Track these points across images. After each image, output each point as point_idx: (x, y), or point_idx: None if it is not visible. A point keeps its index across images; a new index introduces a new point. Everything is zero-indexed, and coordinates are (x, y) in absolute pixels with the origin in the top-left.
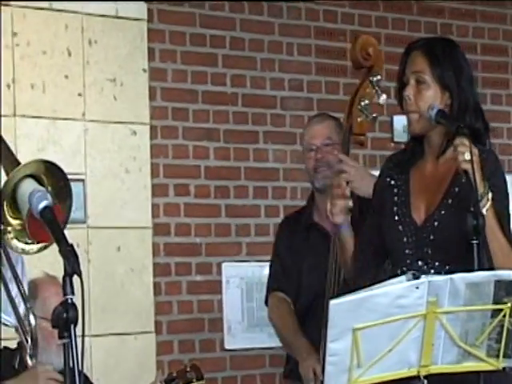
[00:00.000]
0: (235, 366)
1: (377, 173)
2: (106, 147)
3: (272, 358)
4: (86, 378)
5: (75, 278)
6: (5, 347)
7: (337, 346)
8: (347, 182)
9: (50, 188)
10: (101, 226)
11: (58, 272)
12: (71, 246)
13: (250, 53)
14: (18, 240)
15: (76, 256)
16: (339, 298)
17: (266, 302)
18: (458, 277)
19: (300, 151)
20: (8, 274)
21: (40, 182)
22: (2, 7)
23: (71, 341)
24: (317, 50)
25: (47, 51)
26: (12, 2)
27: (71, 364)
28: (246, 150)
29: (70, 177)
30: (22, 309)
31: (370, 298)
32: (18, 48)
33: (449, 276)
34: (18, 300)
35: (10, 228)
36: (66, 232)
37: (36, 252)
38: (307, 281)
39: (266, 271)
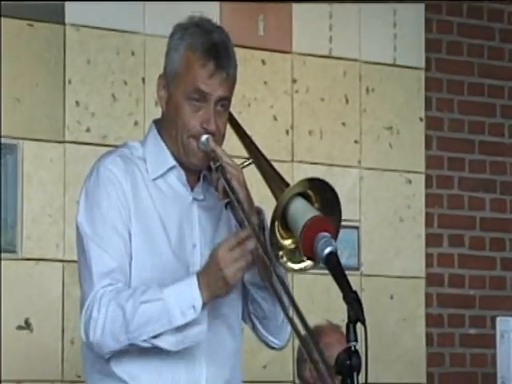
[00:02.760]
0: None
1: None
2: (381, 195)
3: None
4: None
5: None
6: None
7: None
8: None
9: (317, 204)
10: (374, 273)
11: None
12: (355, 292)
13: None
14: (292, 261)
15: (360, 303)
16: None
17: None
18: None
19: None
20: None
21: (308, 199)
22: (283, 55)
23: None
24: None
25: (325, 98)
26: (293, 50)
27: None
28: None
29: (344, 223)
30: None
31: None
32: (297, 95)
33: None
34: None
35: (281, 252)
36: None
37: (312, 267)
38: None
39: None
